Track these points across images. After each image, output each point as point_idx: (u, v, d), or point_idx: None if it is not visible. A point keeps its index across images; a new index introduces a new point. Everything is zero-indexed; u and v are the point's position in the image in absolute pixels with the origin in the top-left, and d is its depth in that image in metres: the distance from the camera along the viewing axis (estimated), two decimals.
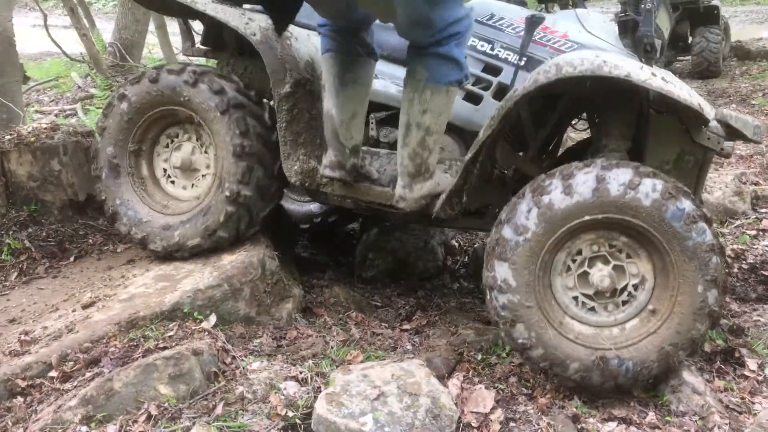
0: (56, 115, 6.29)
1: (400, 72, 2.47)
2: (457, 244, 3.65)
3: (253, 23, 2.55)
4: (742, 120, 2.19)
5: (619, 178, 1.98)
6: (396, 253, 3.32)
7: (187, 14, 2.91)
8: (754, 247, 3.24)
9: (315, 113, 2.58)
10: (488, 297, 2.12)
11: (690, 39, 8.59)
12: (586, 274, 2.11)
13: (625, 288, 2.10)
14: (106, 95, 6.66)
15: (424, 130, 2.23)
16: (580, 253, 2.11)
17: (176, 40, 8.00)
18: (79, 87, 7.30)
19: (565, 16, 2.54)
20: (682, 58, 8.75)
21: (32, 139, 2.98)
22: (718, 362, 2.16)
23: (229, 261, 2.49)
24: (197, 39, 3.04)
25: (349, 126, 2.41)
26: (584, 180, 2.00)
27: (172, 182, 2.77)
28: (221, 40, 2.89)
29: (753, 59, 9.16)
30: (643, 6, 7.29)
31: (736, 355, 2.20)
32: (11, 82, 3.78)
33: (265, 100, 2.78)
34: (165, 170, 2.77)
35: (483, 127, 2.23)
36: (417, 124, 2.22)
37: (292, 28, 2.62)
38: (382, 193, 2.50)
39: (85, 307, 2.35)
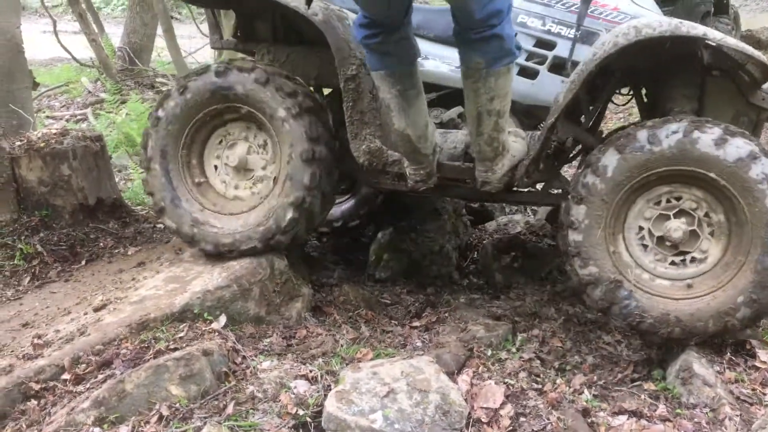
0: (67, 120, 6.33)
1: (448, 52, 2.56)
2: (466, 240, 3.65)
3: (312, 4, 2.48)
4: None
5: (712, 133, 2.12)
6: (411, 255, 3.32)
7: (220, 4, 2.89)
8: None
9: (375, 93, 2.55)
10: (563, 233, 2.32)
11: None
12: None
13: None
14: (116, 99, 6.71)
15: (495, 115, 2.24)
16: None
17: (183, 42, 8.07)
18: (90, 92, 7.35)
19: None
20: None
21: (42, 144, 3.01)
22: (728, 354, 2.14)
23: (238, 261, 2.51)
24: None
25: (425, 135, 2.40)
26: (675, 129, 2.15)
27: (223, 181, 2.72)
28: (252, 30, 2.87)
29: (764, 48, 9.02)
30: None
31: (747, 346, 2.18)
32: (21, 88, 3.81)
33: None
34: (216, 167, 2.72)
35: (559, 93, 2.34)
36: (488, 112, 2.23)
37: (345, 10, 2.61)
38: (470, 169, 2.50)
39: (96, 309, 2.38)
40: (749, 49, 2.20)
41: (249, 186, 2.69)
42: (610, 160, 2.22)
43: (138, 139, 4.90)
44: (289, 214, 2.52)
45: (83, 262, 2.89)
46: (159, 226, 3.13)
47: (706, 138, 2.11)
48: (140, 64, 7.88)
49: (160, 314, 2.24)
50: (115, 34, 9.37)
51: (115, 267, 2.77)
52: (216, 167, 2.72)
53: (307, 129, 2.51)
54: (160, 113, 2.63)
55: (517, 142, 2.48)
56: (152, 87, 7.66)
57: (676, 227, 2.21)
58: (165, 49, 7.65)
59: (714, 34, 2.17)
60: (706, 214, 2.21)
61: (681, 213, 2.23)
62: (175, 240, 2.86)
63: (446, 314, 2.85)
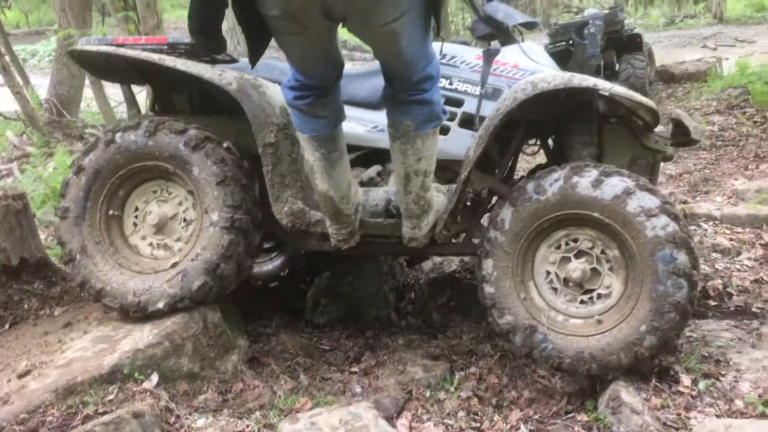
0: None
1: (363, 114, 2.71)
2: (403, 281, 3.68)
3: (226, 74, 2.56)
4: (689, 119, 2.51)
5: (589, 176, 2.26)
6: (349, 298, 3.33)
7: (139, 80, 2.91)
8: None
9: (294, 156, 2.61)
10: (480, 287, 2.45)
11: (617, 66, 8.97)
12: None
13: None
14: (43, 152, 6.54)
15: (422, 175, 2.31)
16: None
17: (112, 92, 7.97)
18: (15, 146, 7.14)
19: (512, 50, 2.75)
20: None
21: None
22: (653, 380, 2.22)
23: (170, 317, 2.46)
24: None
25: (348, 196, 2.43)
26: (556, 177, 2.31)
27: (142, 237, 2.68)
28: (170, 103, 2.90)
29: (677, 82, 9.62)
30: (587, 31, 7.75)
31: (671, 372, 2.27)
32: None
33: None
34: (135, 224, 2.68)
35: (470, 147, 2.46)
36: (415, 172, 2.29)
37: (260, 78, 2.65)
38: (392, 225, 2.56)
39: (20, 376, 2.28)
40: (638, 97, 2.37)
41: (166, 245, 2.66)
42: (505, 213, 2.36)
43: None
44: (200, 279, 2.48)
45: (7, 326, 2.77)
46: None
47: (584, 181, 2.25)
48: (68, 116, 7.73)
49: (87, 377, 2.17)
50: (42, 85, 9.17)
51: (40, 329, 2.67)
52: (135, 224, 2.69)
53: (230, 196, 2.52)
54: (85, 163, 2.60)
55: (438, 197, 2.56)
56: (81, 138, 7.50)
57: (575, 267, 2.33)
58: (94, 100, 7.53)
59: (604, 85, 2.33)
60: (603, 252, 2.32)
61: (581, 253, 2.35)
62: None
63: (385, 357, 2.86)
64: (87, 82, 7.61)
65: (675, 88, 9.41)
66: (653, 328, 2.17)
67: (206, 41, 2.40)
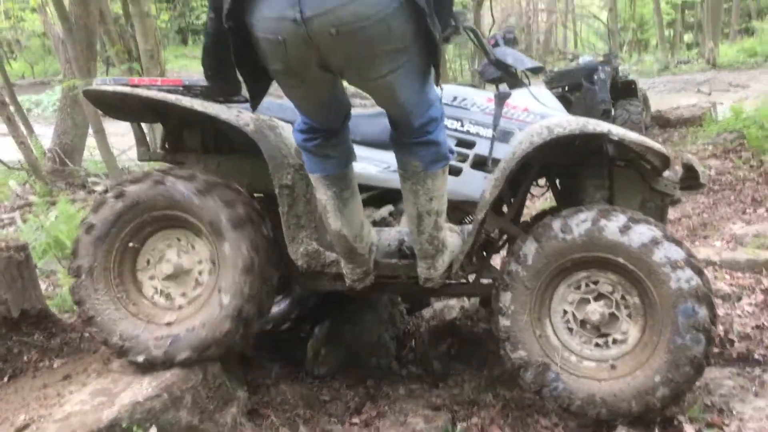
0: None
1: (375, 154, 2.74)
2: (404, 328, 3.67)
3: (243, 115, 2.59)
4: (698, 164, 2.57)
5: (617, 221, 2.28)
6: (349, 348, 3.31)
7: (151, 118, 2.93)
8: None
9: (308, 196, 2.61)
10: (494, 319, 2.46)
11: (613, 111, 9.10)
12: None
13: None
14: (45, 201, 6.59)
15: (435, 214, 2.33)
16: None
17: (116, 140, 8.07)
18: (18, 195, 7.20)
19: (521, 93, 2.80)
20: None
21: None
22: (657, 430, 2.20)
23: (169, 369, 2.45)
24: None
25: (361, 234, 2.45)
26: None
27: (158, 289, 2.66)
28: (181, 141, 2.92)
29: (673, 126, 9.74)
30: (596, 77, 7.95)
31: (675, 422, 2.25)
32: None
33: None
34: (152, 277, 2.67)
35: (485, 189, 2.48)
36: (427, 212, 2.32)
37: (275, 119, 2.68)
38: (406, 266, 2.56)
39: (18, 430, 2.26)
40: (649, 142, 2.42)
41: (169, 295, 2.65)
42: (529, 248, 2.35)
43: (67, 242, 4.79)
44: (186, 353, 2.47)
45: (5, 379, 2.75)
46: (87, 335, 3.03)
47: (612, 225, 2.26)
48: (71, 165, 7.82)
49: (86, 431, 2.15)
50: (46, 134, 9.30)
51: (39, 382, 2.65)
52: (149, 261, 2.68)
53: (246, 239, 2.52)
54: (94, 220, 2.60)
55: (452, 237, 2.57)
56: (84, 187, 7.58)
57: (593, 310, 2.33)
58: (96, 149, 7.63)
59: (617, 131, 2.38)
60: (623, 297, 2.33)
61: (600, 296, 2.36)
62: (103, 349, 2.78)
63: (386, 407, 2.83)
64: (90, 131, 7.72)
65: (671, 133, 9.52)
66: (667, 380, 2.17)
67: (221, 84, 2.47)
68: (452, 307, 3.74)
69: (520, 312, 2.38)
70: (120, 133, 9.33)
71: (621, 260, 2.25)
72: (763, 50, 17.43)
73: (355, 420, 2.75)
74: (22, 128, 7.67)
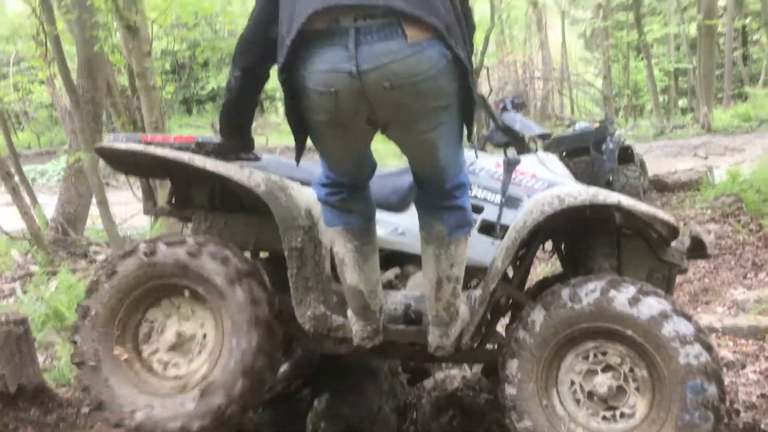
0: None
1: (384, 216, 2.75)
2: (405, 399, 3.62)
3: (254, 175, 2.59)
4: (706, 235, 2.58)
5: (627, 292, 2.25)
6: (349, 420, 3.24)
7: (160, 174, 2.94)
8: None
9: (317, 259, 2.61)
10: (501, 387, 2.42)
11: (611, 177, 9.19)
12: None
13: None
14: (46, 272, 6.60)
15: (454, 281, 2.35)
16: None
17: (119, 209, 8.15)
18: (19, 265, 7.21)
19: (529, 160, 2.84)
20: None
21: None
22: None
23: None
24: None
25: (376, 291, 2.45)
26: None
27: (163, 361, 2.63)
28: (188, 197, 2.92)
29: (671, 191, 9.82)
30: (605, 147, 8.08)
31: None
32: None
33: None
34: (156, 350, 2.64)
35: (495, 257, 2.48)
36: (447, 278, 2.33)
37: (285, 179, 2.69)
38: (415, 332, 2.55)
39: None
40: (659, 212, 2.43)
41: (192, 361, 2.62)
42: (537, 315, 2.35)
43: (67, 314, 4.79)
44: (239, 383, 2.46)
45: None
46: (83, 410, 3.00)
47: (621, 297, 2.25)
48: (74, 234, 7.87)
49: None
50: (50, 203, 9.40)
51: None
52: (155, 350, 2.65)
53: (246, 293, 2.52)
54: (89, 303, 2.59)
55: (462, 305, 2.56)
56: (85, 256, 7.60)
57: (601, 382, 2.30)
58: (99, 218, 7.69)
59: (627, 201, 2.39)
60: (631, 369, 2.30)
61: (608, 368, 2.33)
62: (99, 426, 2.74)
63: None
64: (93, 200, 7.81)
65: (669, 197, 9.59)
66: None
67: (236, 142, 2.56)
68: (454, 377, 3.70)
69: (527, 380, 2.35)
70: (123, 202, 9.46)
71: (629, 332, 2.23)
72: (756, 115, 17.71)
73: None
74: (27, 198, 7.76)
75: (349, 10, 1.88)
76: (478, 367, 3.79)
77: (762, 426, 2.84)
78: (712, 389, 2.13)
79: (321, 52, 1.91)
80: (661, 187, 9.96)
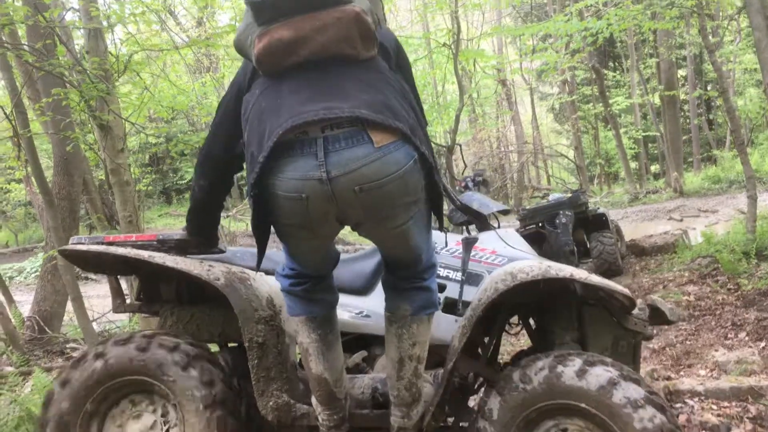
0: None
1: (347, 299, 2.80)
2: None
3: (214, 269, 2.63)
4: (664, 303, 2.61)
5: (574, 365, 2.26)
6: None
7: (126, 271, 2.98)
8: None
9: (280, 348, 2.62)
10: None
11: (588, 244, 9.31)
12: None
13: None
14: (20, 372, 6.42)
15: (416, 360, 2.35)
16: None
17: (97, 302, 8.04)
18: None
19: (489, 236, 2.91)
20: (584, 261, 9.40)
21: None
22: None
23: None
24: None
25: (341, 379, 2.45)
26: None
27: None
28: (157, 293, 2.95)
29: (648, 254, 9.94)
30: (558, 221, 8.22)
31: None
32: None
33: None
34: None
35: (454, 336, 2.49)
36: (409, 357, 2.33)
37: (247, 270, 2.75)
38: (380, 416, 2.52)
39: None
40: (613, 285, 2.47)
41: None
42: (493, 403, 2.35)
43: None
44: None
45: None
46: None
47: (569, 371, 2.26)
48: (50, 332, 7.72)
49: None
50: (26, 301, 9.27)
51: None
52: None
53: (199, 376, 2.51)
54: (71, 375, 2.57)
55: (425, 387, 2.56)
56: (62, 353, 7.44)
57: None
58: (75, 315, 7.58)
59: (580, 274, 2.43)
60: None
61: None
62: None
63: None
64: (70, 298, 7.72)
65: (647, 261, 9.69)
66: None
67: (201, 239, 2.64)
68: None
69: None
70: (101, 295, 9.35)
71: (583, 405, 2.21)
72: (726, 176, 18.20)
73: None
74: (2, 298, 7.65)
75: (316, 123, 1.97)
76: None
77: None
78: None
79: (291, 161, 1.98)
80: (638, 251, 10.09)
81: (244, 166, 2.16)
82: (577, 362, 2.27)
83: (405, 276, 2.31)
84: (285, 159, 1.98)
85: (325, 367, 2.37)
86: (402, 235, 2.15)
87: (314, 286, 2.33)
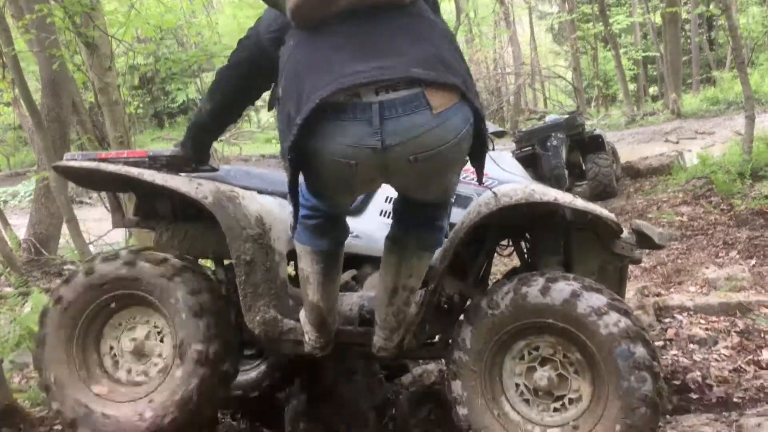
0: None
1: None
2: (383, 396, 3.61)
3: (202, 187, 2.62)
4: (651, 228, 2.59)
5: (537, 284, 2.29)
6: (327, 420, 3.25)
7: (122, 188, 2.98)
8: (663, 357, 3.36)
9: (269, 265, 2.63)
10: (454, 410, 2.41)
11: (584, 166, 9.28)
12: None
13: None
14: (19, 293, 6.50)
15: (408, 291, 2.35)
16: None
17: (92, 225, 8.05)
18: None
19: None
20: (579, 183, 9.40)
21: None
22: None
23: None
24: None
25: (334, 308, 2.47)
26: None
27: (119, 365, 2.66)
28: (153, 209, 2.95)
29: (644, 176, 9.93)
30: (549, 143, 8.18)
31: None
32: None
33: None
34: (112, 348, 2.67)
35: (436, 258, 2.46)
36: (403, 287, 2.33)
37: (237, 189, 2.74)
38: (363, 334, 2.57)
39: None
40: (598, 210, 2.45)
41: (143, 372, 2.63)
42: (465, 332, 2.38)
43: None
44: (196, 373, 2.48)
45: None
46: (56, 428, 2.96)
47: (533, 290, 2.29)
48: (47, 254, 7.76)
49: None
50: (22, 225, 9.27)
51: None
52: (118, 361, 2.67)
53: (185, 286, 2.55)
54: (43, 332, 2.62)
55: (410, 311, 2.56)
56: (60, 275, 7.50)
57: (540, 376, 2.32)
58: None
59: (564, 198, 2.40)
60: (565, 356, 2.32)
61: (545, 361, 2.34)
62: None
63: None
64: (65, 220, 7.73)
65: (642, 183, 9.70)
66: (627, 426, 2.13)
67: (193, 155, 2.62)
68: (431, 371, 3.70)
69: (474, 397, 2.36)
70: (96, 219, 9.34)
71: (550, 320, 2.25)
72: (724, 98, 17.98)
73: None
74: None
75: (368, 85, 1.83)
76: None
77: (734, 399, 2.88)
78: (639, 350, 2.14)
79: (340, 126, 1.85)
80: (633, 173, 10.08)
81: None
82: (539, 281, 2.30)
83: (419, 212, 2.25)
84: (333, 123, 1.85)
85: (322, 297, 2.38)
86: (441, 192, 2.14)
87: (328, 222, 2.27)
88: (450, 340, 2.68)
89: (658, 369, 2.16)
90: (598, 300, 2.21)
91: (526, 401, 2.36)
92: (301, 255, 2.37)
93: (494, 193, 2.41)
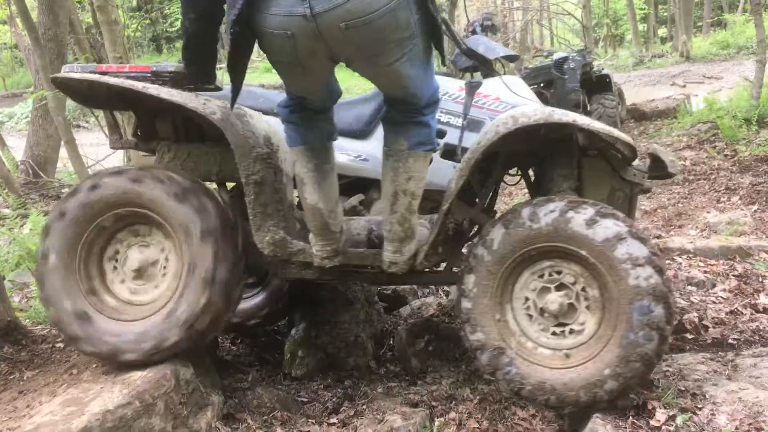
0: None
1: (346, 143, 2.77)
2: (381, 327, 3.65)
3: (210, 103, 2.56)
4: (666, 153, 2.57)
5: (585, 214, 2.25)
6: (326, 348, 3.30)
7: (122, 105, 2.87)
8: None
9: (277, 186, 2.61)
10: (457, 301, 2.45)
11: (589, 106, 9.16)
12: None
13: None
14: (18, 214, 6.48)
15: (410, 195, 2.36)
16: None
17: (90, 150, 7.97)
18: None
19: (493, 83, 2.82)
20: None
21: None
22: (631, 416, 2.20)
23: (140, 375, 2.41)
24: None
25: (335, 210, 2.48)
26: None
27: (122, 282, 2.63)
28: (153, 129, 2.87)
29: (648, 119, 9.83)
30: (566, 66, 8.00)
31: (649, 407, 2.25)
32: None
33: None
34: (116, 267, 2.63)
35: (451, 179, 2.47)
36: (403, 191, 2.35)
37: (244, 107, 2.68)
38: (373, 255, 2.58)
39: None
40: (616, 132, 2.41)
41: (157, 286, 2.61)
42: (496, 233, 2.36)
43: None
44: (203, 293, 2.47)
45: None
46: (58, 345, 2.99)
47: (579, 218, 2.25)
48: (44, 176, 7.72)
49: None
50: (19, 147, 9.19)
51: (8, 395, 2.60)
52: (123, 280, 2.64)
53: (193, 205, 2.50)
54: (46, 246, 2.55)
55: (421, 228, 2.58)
56: (58, 197, 7.48)
57: (553, 300, 2.33)
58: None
59: (583, 120, 2.36)
60: (584, 289, 2.32)
61: (562, 286, 2.35)
62: (74, 359, 2.74)
63: (364, 406, 2.81)
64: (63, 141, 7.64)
65: (646, 126, 9.61)
66: (616, 374, 2.16)
67: (198, 70, 2.52)
68: (429, 304, 3.74)
69: (482, 295, 2.39)
70: (94, 143, 9.24)
71: (584, 253, 2.23)
72: (735, 42, 17.62)
73: (333, 420, 2.72)
74: None
75: None
76: (453, 294, 3.83)
77: (730, 340, 2.91)
78: (659, 311, 2.14)
79: None
80: (638, 115, 9.97)
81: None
82: (589, 211, 2.25)
83: (404, 110, 2.27)
84: None
85: (320, 197, 2.40)
86: (395, 72, 2.09)
87: (313, 114, 2.33)
88: (454, 266, 2.69)
89: (668, 333, 2.16)
90: (639, 250, 2.17)
91: (529, 316, 2.39)
92: (296, 158, 2.41)
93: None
